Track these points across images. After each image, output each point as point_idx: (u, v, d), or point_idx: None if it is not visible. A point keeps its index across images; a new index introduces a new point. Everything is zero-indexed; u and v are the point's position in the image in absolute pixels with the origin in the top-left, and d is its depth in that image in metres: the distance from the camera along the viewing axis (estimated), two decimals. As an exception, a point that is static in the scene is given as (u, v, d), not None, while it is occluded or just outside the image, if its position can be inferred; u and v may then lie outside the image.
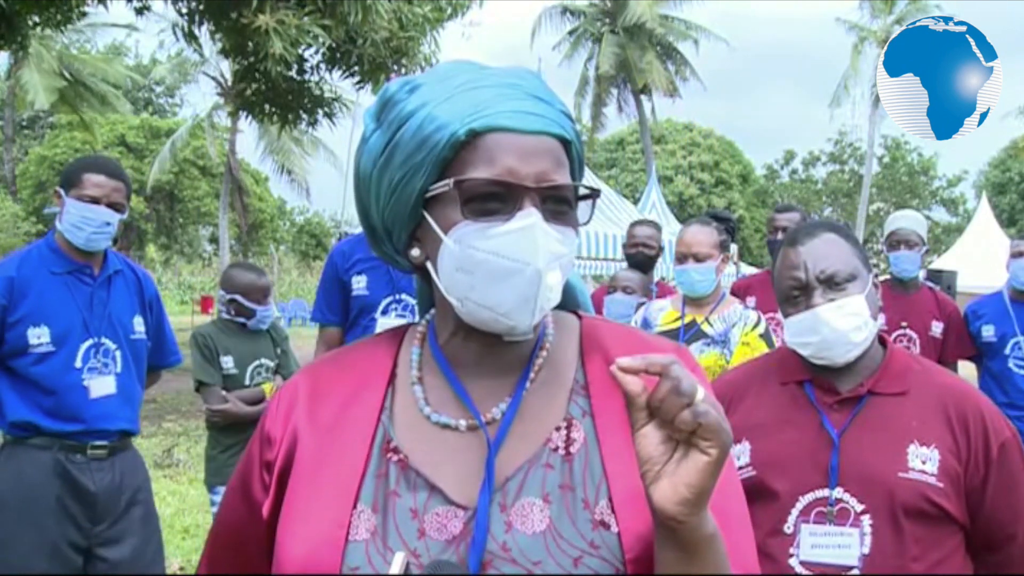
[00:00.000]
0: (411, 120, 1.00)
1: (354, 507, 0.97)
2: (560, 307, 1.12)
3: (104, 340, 3.02)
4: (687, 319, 3.51)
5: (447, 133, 0.98)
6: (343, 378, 1.08)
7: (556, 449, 1.00)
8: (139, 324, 3.17)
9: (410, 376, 1.07)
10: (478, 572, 0.92)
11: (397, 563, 0.93)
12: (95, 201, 2.94)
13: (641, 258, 4.72)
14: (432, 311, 1.12)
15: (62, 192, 2.98)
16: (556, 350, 1.08)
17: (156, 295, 3.32)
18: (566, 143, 1.02)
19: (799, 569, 1.72)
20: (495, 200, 0.97)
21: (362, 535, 0.96)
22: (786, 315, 1.83)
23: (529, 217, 0.96)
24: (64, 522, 2.92)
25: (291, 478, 1.02)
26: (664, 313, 3.60)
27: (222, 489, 3.67)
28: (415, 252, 1.04)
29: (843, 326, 1.75)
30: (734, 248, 4.47)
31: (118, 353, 3.07)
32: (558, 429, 1.01)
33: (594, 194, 1.03)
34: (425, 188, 1.00)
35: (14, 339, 2.90)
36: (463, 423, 1.02)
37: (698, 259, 3.46)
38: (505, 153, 0.97)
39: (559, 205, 0.99)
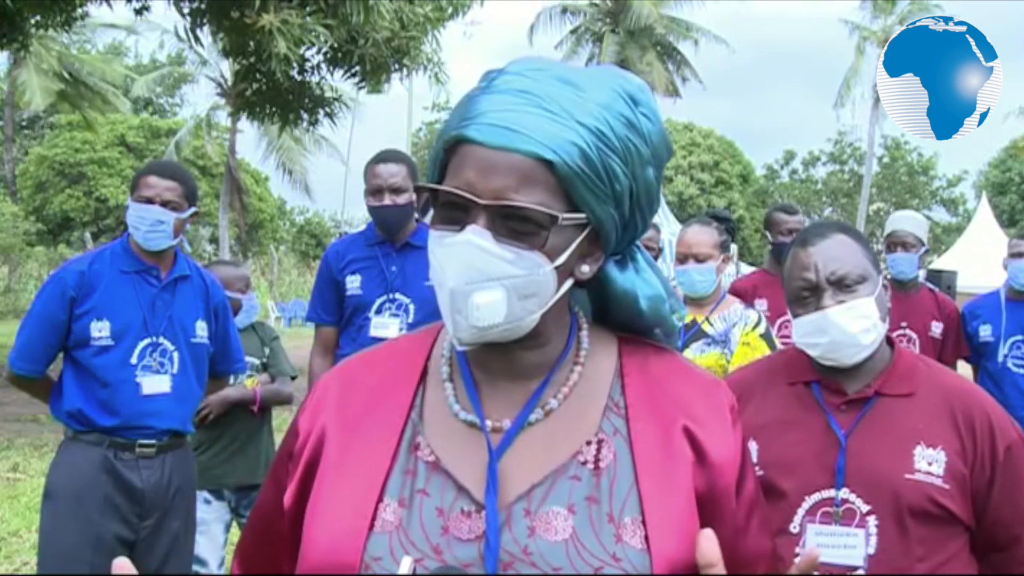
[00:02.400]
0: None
1: (379, 500, 0.98)
2: (627, 329, 1.11)
3: (162, 340, 3.11)
4: (687, 319, 3.51)
5: (442, 138, 1.01)
6: (374, 374, 1.09)
7: (585, 463, 0.99)
8: (201, 328, 3.24)
9: (441, 373, 1.07)
10: (494, 572, 0.92)
11: (405, 566, 0.93)
12: (149, 201, 3.07)
13: (642, 259, 4.71)
14: None
15: (130, 198, 3.15)
16: (590, 365, 1.07)
17: (224, 303, 3.39)
18: (548, 163, 0.95)
19: (805, 569, 1.72)
20: (458, 210, 0.97)
21: (386, 528, 0.96)
22: (795, 315, 1.84)
23: (466, 234, 0.95)
24: (111, 517, 3.01)
25: (319, 472, 1.03)
26: (665, 313, 3.59)
27: (200, 494, 3.66)
28: None
29: (852, 328, 1.75)
30: (734, 248, 4.46)
31: (176, 354, 3.14)
32: (589, 444, 1.01)
33: (552, 220, 0.96)
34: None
35: (79, 330, 3.03)
36: (488, 423, 1.02)
37: (698, 259, 3.46)
38: (468, 166, 0.96)
39: (522, 224, 0.96)
